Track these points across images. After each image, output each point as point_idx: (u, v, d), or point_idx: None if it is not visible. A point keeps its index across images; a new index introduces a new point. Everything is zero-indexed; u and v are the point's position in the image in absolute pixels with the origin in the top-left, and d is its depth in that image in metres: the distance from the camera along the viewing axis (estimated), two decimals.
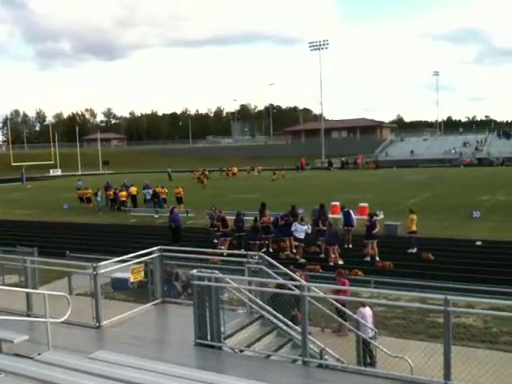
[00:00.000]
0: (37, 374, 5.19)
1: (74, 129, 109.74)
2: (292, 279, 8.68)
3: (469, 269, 15.71)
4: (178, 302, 9.98)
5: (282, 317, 7.99)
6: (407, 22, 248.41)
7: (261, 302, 8.06)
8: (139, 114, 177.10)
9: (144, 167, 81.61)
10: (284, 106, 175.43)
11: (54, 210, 36.19)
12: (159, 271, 9.52)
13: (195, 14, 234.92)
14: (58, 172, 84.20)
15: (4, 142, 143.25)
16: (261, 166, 68.08)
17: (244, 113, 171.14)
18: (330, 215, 21.72)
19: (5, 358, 5.94)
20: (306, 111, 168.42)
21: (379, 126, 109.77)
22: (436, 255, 17.69)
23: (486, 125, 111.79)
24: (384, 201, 30.44)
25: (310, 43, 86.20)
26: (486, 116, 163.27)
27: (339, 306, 8.74)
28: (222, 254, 15.22)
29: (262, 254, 8.84)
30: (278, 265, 8.83)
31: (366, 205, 24.35)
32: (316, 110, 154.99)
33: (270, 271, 8.48)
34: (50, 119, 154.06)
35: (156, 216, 30.69)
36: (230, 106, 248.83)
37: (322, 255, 18.70)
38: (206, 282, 7.29)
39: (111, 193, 35.16)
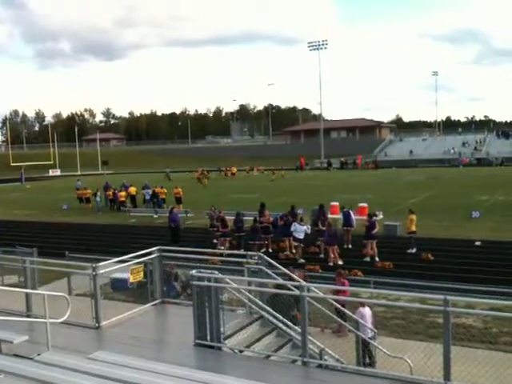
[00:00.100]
0: (36, 374, 5.18)
1: (73, 129, 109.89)
2: (290, 279, 8.68)
3: (468, 269, 15.72)
4: (178, 303, 9.98)
5: (281, 317, 7.99)
6: (407, 23, 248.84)
7: (260, 303, 8.06)
8: (138, 114, 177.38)
9: (143, 167, 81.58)
10: (283, 106, 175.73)
11: (54, 210, 36.17)
12: (158, 271, 9.51)
13: (195, 14, 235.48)
14: (58, 172, 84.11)
15: (3, 142, 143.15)
16: (261, 166, 68.02)
17: (243, 113, 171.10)
18: (329, 215, 21.72)
19: (4, 358, 5.93)
20: (305, 111, 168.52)
21: (378, 126, 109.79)
22: (435, 255, 17.69)
23: (485, 125, 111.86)
24: (383, 201, 30.44)
25: (309, 43, 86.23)
26: (485, 116, 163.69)
27: (339, 306, 8.74)
28: (221, 255, 15.21)
29: (262, 255, 8.83)
30: (278, 265, 8.83)
31: (365, 205, 24.36)
32: (315, 110, 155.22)
33: (269, 271, 8.47)
34: (49, 119, 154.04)
35: (155, 216, 30.68)
36: (230, 106, 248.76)
37: (322, 255, 18.70)
38: (206, 283, 7.28)
39: (110, 193, 35.14)
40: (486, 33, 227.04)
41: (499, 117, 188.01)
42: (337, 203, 24.82)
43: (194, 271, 7.47)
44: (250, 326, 7.99)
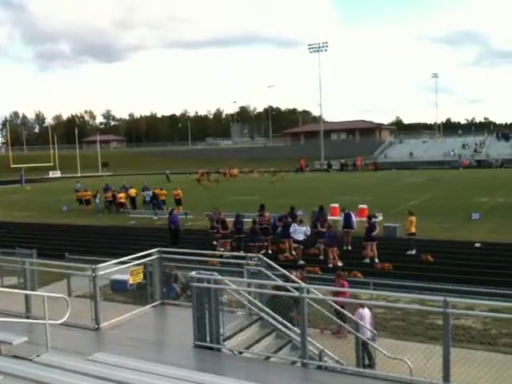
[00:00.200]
0: (35, 375, 5.18)
1: (73, 131, 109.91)
2: (288, 279, 8.68)
3: (468, 271, 15.71)
4: (177, 304, 9.96)
5: (281, 318, 7.99)
6: (406, 25, 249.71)
7: (260, 304, 8.06)
8: (138, 116, 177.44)
9: (143, 169, 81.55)
10: (283, 107, 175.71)
11: (54, 211, 36.17)
12: (158, 273, 9.51)
13: (194, 16, 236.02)
14: (58, 174, 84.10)
15: (3, 143, 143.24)
16: (261, 168, 68.04)
17: (243, 115, 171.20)
18: (329, 217, 21.73)
19: (4, 359, 5.94)
20: (306, 113, 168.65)
21: (378, 128, 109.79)
22: (435, 257, 17.69)
23: (485, 127, 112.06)
24: (383, 203, 30.46)
25: (309, 45, 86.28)
26: (485, 118, 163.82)
27: (338, 307, 8.74)
28: (221, 256, 15.21)
29: (261, 256, 8.83)
30: (277, 266, 8.83)
31: (365, 207, 24.38)
32: (315, 112, 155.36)
33: (268, 273, 8.47)
34: (49, 121, 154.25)
35: (155, 218, 30.68)
36: (230, 108, 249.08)
37: (321, 257, 18.70)
38: (205, 284, 7.28)
39: (109, 195, 35.11)
40: (485, 34, 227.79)
41: (499, 119, 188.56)
42: (337, 205, 24.86)
43: (193, 273, 7.48)
44: (249, 327, 7.99)
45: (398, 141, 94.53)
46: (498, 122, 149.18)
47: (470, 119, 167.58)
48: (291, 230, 18.82)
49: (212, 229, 21.76)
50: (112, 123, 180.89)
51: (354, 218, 20.63)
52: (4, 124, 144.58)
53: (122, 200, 34.23)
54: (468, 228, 23.26)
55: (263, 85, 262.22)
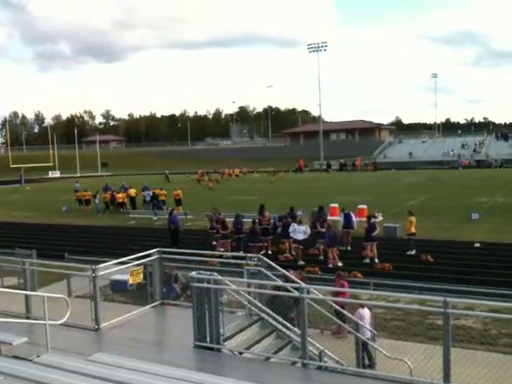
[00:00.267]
0: (36, 376, 5.18)
1: (72, 131, 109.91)
2: (288, 280, 8.68)
3: (468, 271, 15.71)
4: (177, 304, 9.96)
5: (281, 319, 7.99)
6: (405, 25, 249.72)
7: (260, 304, 8.06)
8: (138, 116, 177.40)
9: (143, 169, 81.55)
10: (283, 107, 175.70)
11: (53, 211, 36.15)
12: (158, 273, 9.51)
13: (194, 16, 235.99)
14: (57, 174, 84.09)
15: (3, 143, 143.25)
16: (261, 168, 68.08)
17: (243, 115, 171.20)
18: (328, 217, 21.72)
19: (4, 360, 5.93)
20: (305, 113, 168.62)
21: (378, 128, 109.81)
22: (435, 257, 17.69)
23: (485, 127, 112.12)
24: (383, 203, 30.45)
25: (308, 45, 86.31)
26: (485, 118, 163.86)
27: (338, 308, 8.74)
28: (221, 256, 15.20)
29: (261, 256, 8.83)
30: (277, 267, 8.83)
31: (364, 207, 24.37)
32: (315, 112, 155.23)
33: (268, 273, 8.47)
34: (48, 121, 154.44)
35: (155, 218, 30.67)
36: (229, 108, 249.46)
37: (321, 257, 18.69)
38: (205, 284, 7.28)
39: (107, 195, 35.08)
40: (484, 34, 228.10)
41: (498, 119, 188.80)
42: (336, 205, 24.84)
43: (193, 273, 7.48)
44: (249, 327, 7.99)
45: (398, 141, 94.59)
46: (497, 122, 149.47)
47: (469, 119, 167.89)
48: (290, 229, 18.80)
49: (212, 229, 21.75)
50: (111, 123, 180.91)
51: (354, 218, 20.63)
52: (3, 124, 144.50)
53: (122, 200, 34.19)
54: (467, 228, 23.27)
55: (263, 85, 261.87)
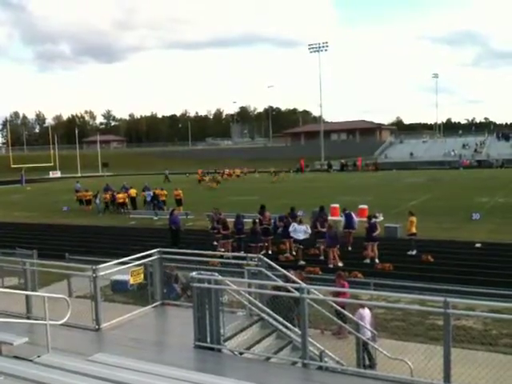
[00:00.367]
0: (36, 376, 5.19)
1: (73, 131, 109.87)
2: (288, 280, 8.68)
3: (468, 271, 15.70)
4: (178, 304, 9.96)
5: (281, 319, 7.99)
6: (406, 25, 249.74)
7: (260, 305, 8.06)
8: (139, 116, 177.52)
9: (143, 169, 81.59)
10: (283, 108, 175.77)
11: (54, 212, 36.18)
12: (159, 273, 9.51)
13: (194, 17, 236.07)
14: (58, 174, 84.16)
15: (4, 144, 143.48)
16: (262, 168, 68.10)
17: (243, 115, 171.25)
18: (329, 217, 21.71)
19: (4, 360, 5.94)
20: (306, 113, 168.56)
21: (379, 128, 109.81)
22: (435, 257, 17.68)
23: (485, 127, 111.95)
24: (383, 203, 30.45)
25: (309, 45, 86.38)
26: (485, 118, 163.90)
27: (339, 308, 8.74)
28: (221, 257, 15.20)
29: (262, 257, 8.83)
30: (278, 267, 8.83)
31: (365, 207, 24.36)
32: (315, 112, 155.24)
33: (269, 273, 8.47)
34: (49, 121, 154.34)
35: (155, 218, 30.68)
36: (230, 108, 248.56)
37: (322, 257, 18.69)
38: (206, 285, 7.28)
39: (107, 196, 35.09)
40: (484, 35, 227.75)
41: (499, 119, 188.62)
42: (337, 205, 24.84)
43: (194, 273, 7.48)
44: (249, 327, 7.99)
45: (399, 141, 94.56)
46: (498, 122, 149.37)
47: (470, 119, 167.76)
48: (291, 229, 18.80)
49: (212, 229, 21.76)
50: (112, 123, 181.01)
51: (356, 218, 20.62)
52: (4, 124, 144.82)
53: (122, 200, 34.20)
54: (468, 228, 23.25)
55: (263, 85, 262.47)
